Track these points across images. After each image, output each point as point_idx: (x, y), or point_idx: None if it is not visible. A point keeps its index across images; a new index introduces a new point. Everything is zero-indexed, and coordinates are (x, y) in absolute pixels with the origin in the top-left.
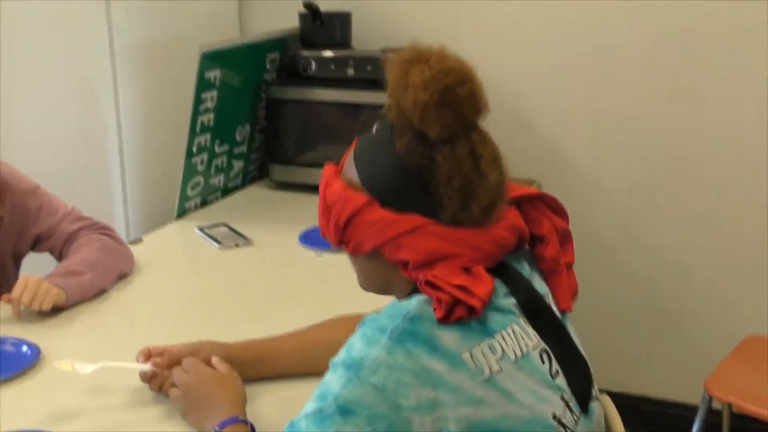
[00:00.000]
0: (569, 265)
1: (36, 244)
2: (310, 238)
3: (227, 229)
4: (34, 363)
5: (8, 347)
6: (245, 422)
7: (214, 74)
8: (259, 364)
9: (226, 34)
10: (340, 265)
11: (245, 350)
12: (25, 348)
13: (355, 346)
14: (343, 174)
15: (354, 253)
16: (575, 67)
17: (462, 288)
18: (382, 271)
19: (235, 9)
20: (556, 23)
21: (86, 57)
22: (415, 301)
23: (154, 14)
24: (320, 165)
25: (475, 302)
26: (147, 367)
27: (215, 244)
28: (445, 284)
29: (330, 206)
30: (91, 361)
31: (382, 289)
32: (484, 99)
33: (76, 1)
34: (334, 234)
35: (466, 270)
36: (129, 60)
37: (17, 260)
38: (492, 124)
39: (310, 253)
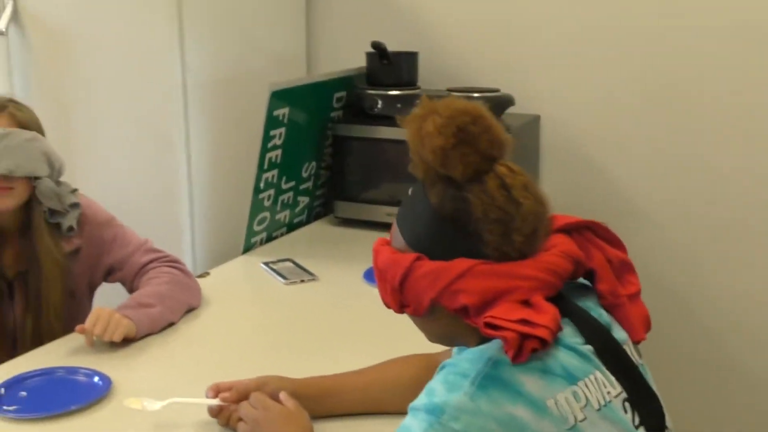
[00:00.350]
0: (633, 296)
1: (109, 275)
2: (374, 276)
3: (292, 264)
4: (105, 394)
5: (81, 377)
6: None
7: (282, 112)
8: (325, 400)
9: (294, 73)
10: None
11: (311, 386)
12: (96, 379)
13: (437, 390)
14: (391, 242)
15: (416, 313)
16: (644, 112)
17: (524, 321)
18: (446, 325)
19: (303, 48)
20: (623, 63)
21: (159, 95)
22: (496, 346)
23: (225, 53)
24: (384, 203)
25: (541, 332)
26: (215, 402)
27: (281, 279)
28: (505, 321)
29: (383, 272)
30: (160, 397)
31: (450, 342)
32: (501, 133)
33: (150, 40)
34: (394, 299)
35: (526, 303)
36: (200, 98)
37: (92, 290)
38: (558, 165)
39: (374, 291)
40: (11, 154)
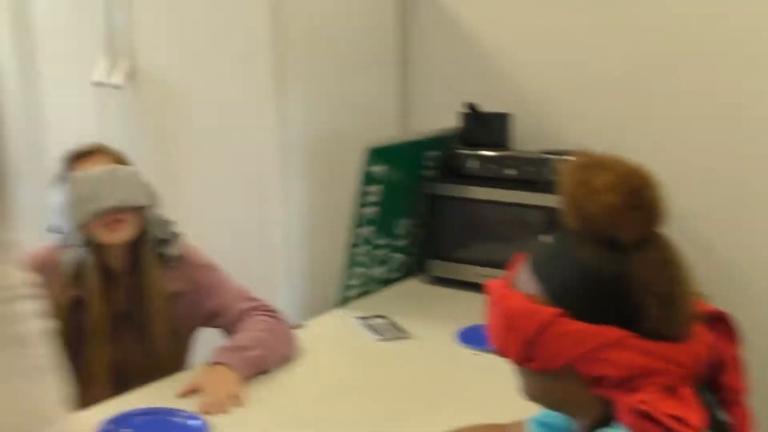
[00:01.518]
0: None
1: (209, 320)
2: (468, 336)
3: (386, 321)
4: None
5: (178, 419)
6: None
7: (378, 169)
8: None
9: (388, 132)
10: (499, 367)
11: None
12: (192, 422)
13: None
14: (515, 288)
15: (542, 370)
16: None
17: (677, 419)
18: (566, 389)
19: (398, 107)
20: (727, 124)
21: (259, 150)
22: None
23: (322, 112)
24: (478, 263)
25: None
26: None
27: (374, 335)
28: (659, 414)
29: (513, 320)
30: None
31: (555, 405)
32: (666, 203)
33: (252, 98)
34: (519, 350)
35: (670, 390)
36: (297, 154)
37: (191, 333)
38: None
39: (467, 352)
40: (120, 187)
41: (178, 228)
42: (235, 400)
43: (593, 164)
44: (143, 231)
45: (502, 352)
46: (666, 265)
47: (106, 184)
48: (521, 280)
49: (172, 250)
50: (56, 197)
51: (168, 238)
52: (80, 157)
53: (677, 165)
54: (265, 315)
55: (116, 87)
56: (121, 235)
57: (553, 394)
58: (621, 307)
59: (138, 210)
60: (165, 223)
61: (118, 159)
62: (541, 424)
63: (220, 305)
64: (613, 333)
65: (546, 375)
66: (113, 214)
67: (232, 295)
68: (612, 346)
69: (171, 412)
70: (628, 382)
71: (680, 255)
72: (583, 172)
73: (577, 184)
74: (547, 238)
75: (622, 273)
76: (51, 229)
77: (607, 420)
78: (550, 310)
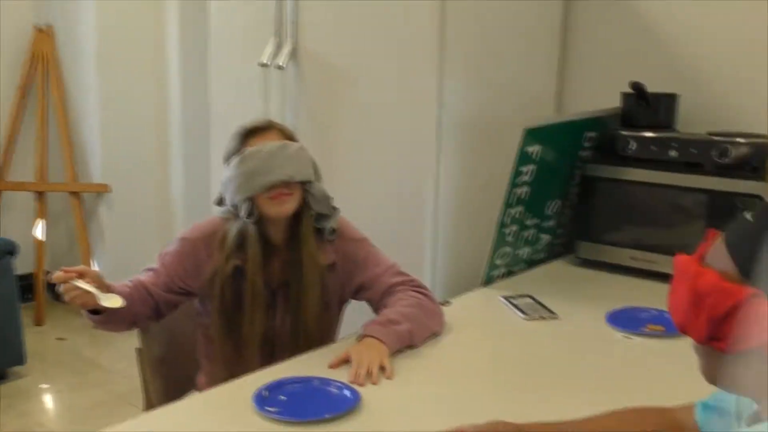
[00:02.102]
0: None
1: (357, 293)
2: (618, 319)
3: (532, 300)
4: (354, 407)
5: (333, 389)
6: None
7: (534, 149)
8: None
9: (542, 113)
10: (649, 351)
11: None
12: (347, 392)
13: None
14: (708, 263)
15: (728, 351)
16: None
17: None
18: (754, 371)
19: (553, 89)
20: None
21: (416, 130)
22: None
23: (480, 94)
24: (628, 246)
25: None
26: None
27: (521, 314)
28: None
29: (702, 297)
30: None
31: (738, 388)
32: None
33: (412, 79)
34: (705, 329)
35: None
36: (453, 135)
37: (341, 305)
38: None
39: (617, 335)
40: (290, 162)
41: (336, 203)
42: (385, 372)
43: None
44: (305, 205)
45: (685, 329)
46: None
47: (277, 159)
48: (714, 257)
49: (330, 225)
50: (228, 171)
51: (327, 214)
52: (253, 132)
53: None
54: (413, 290)
55: (280, 68)
56: (286, 207)
57: (737, 376)
58: None
59: (303, 185)
60: (325, 199)
61: (288, 135)
62: (710, 407)
63: (370, 278)
64: None
65: (732, 356)
66: (281, 188)
67: (383, 269)
68: None
69: (323, 381)
70: None
71: None
72: None
73: None
74: (746, 216)
75: None
76: (218, 202)
77: None
78: (746, 290)
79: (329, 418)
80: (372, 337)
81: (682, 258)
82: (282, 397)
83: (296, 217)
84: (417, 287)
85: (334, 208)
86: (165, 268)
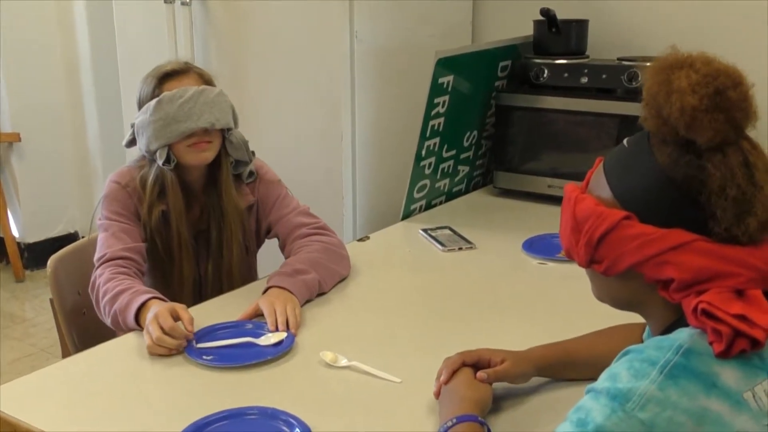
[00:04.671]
0: None
1: (268, 232)
2: (534, 246)
3: (450, 232)
4: (288, 348)
5: (260, 339)
6: (482, 423)
7: (447, 79)
8: (562, 370)
9: (460, 43)
10: (564, 275)
11: (548, 356)
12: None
13: (621, 376)
14: (589, 191)
15: (607, 273)
16: None
17: (742, 318)
18: (634, 290)
19: (469, 17)
20: None
21: (328, 62)
22: (686, 333)
23: (393, 22)
24: (546, 174)
25: (758, 333)
26: (397, 380)
27: (439, 246)
28: (724, 314)
29: (581, 223)
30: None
31: (625, 306)
32: (755, 104)
33: (322, 8)
34: (585, 253)
35: (739, 293)
36: (367, 65)
37: (259, 246)
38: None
39: (533, 261)
40: (210, 109)
41: (250, 140)
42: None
43: (678, 63)
44: (224, 152)
45: (569, 255)
46: (746, 168)
47: (196, 105)
48: (595, 183)
49: (248, 169)
50: (142, 116)
51: (245, 160)
52: (170, 75)
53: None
54: (319, 234)
55: (185, 4)
56: (206, 155)
57: (621, 296)
58: (691, 211)
59: (222, 131)
60: (244, 145)
61: (206, 79)
62: None
63: (278, 217)
64: (681, 236)
65: (613, 277)
66: (201, 135)
67: (290, 209)
68: (678, 250)
69: (257, 324)
70: (696, 286)
71: (765, 158)
72: (665, 72)
73: (659, 83)
74: (624, 142)
75: (694, 176)
76: (128, 144)
77: (679, 324)
78: (616, 213)
79: (262, 362)
80: (280, 287)
81: (568, 186)
82: (213, 344)
83: (215, 163)
84: (322, 229)
85: (252, 153)
86: (121, 218)
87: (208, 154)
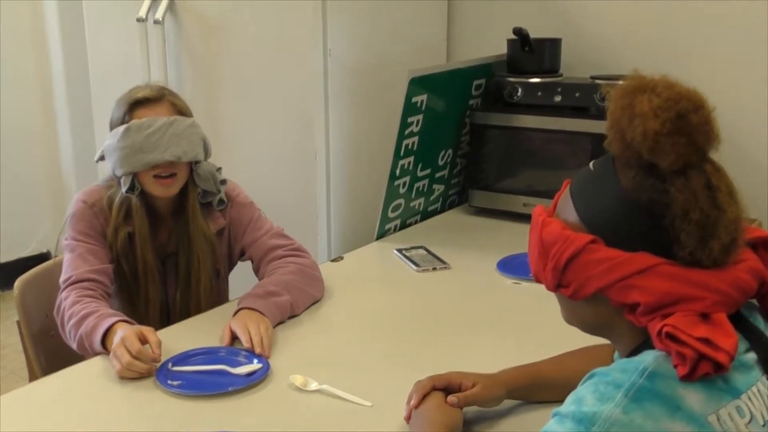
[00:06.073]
0: None
1: (241, 255)
2: (508, 266)
3: (425, 252)
4: (264, 376)
5: (240, 359)
6: None
7: (420, 98)
8: (533, 391)
9: (434, 60)
10: (538, 295)
11: (518, 378)
12: (256, 361)
13: (586, 399)
14: (557, 215)
15: (574, 297)
16: None
17: (706, 341)
18: (601, 314)
19: (444, 35)
20: None
21: (302, 80)
22: (651, 356)
23: (366, 40)
24: (521, 193)
25: (721, 357)
26: (367, 403)
27: (413, 266)
28: (688, 337)
29: (548, 247)
30: (314, 380)
31: (593, 330)
32: (717, 127)
33: (294, 26)
34: (552, 277)
35: (704, 317)
36: (340, 83)
37: (231, 269)
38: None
39: (507, 281)
40: (178, 141)
41: (223, 158)
42: (271, 338)
43: (641, 88)
44: (191, 182)
45: (537, 278)
46: (708, 192)
47: (164, 137)
48: (562, 207)
49: (217, 198)
50: (111, 139)
51: (215, 191)
52: (141, 103)
53: (734, 89)
54: (293, 256)
55: (158, 22)
56: (171, 189)
57: (588, 319)
58: (655, 235)
59: (190, 163)
60: (212, 177)
61: (180, 109)
62: None
63: (251, 240)
64: (646, 260)
65: (580, 301)
66: (166, 167)
67: (264, 231)
68: (644, 273)
69: (230, 350)
70: (661, 309)
71: (728, 180)
72: (628, 96)
73: (622, 108)
74: (590, 165)
75: (658, 199)
76: (99, 159)
77: (646, 346)
78: (582, 237)
79: (235, 391)
80: (252, 309)
81: (536, 209)
82: (187, 368)
83: (182, 192)
84: (297, 251)
85: (223, 182)
86: (87, 239)
87: (173, 189)
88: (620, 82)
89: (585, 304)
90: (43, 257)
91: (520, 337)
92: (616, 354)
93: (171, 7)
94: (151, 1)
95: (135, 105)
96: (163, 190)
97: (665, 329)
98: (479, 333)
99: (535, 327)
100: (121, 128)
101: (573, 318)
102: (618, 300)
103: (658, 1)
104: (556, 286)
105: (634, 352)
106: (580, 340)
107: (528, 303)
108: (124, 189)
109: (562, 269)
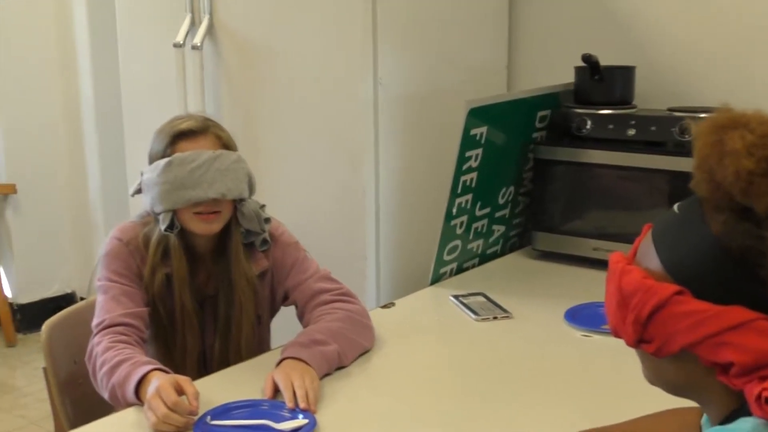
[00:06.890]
0: None
1: (285, 299)
2: (577, 316)
3: (484, 299)
4: None
5: (284, 413)
6: None
7: (480, 131)
8: None
9: (493, 89)
10: (611, 349)
11: None
12: (301, 416)
13: None
14: (637, 262)
15: (658, 354)
16: None
17: None
18: (689, 374)
19: (504, 61)
20: None
21: (350, 110)
22: (750, 425)
23: (419, 67)
24: (590, 235)
25: None
26: None
27: (471, 314)
28: None
29: (627, 298)
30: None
31: (679, 391)
32: None
33: (342, 54)
34: (633, 331)
35: None
36: (391, 114)
37: (273, 314)
38: None
39: (576, 333)
40: (222, 177)
41: (264, 195)
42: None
43: (731, 123)
44: (234, 220)
45: (616, 333)
46: None
47: (208, 173)
48: (642, 253)
49: (260, 239)
50: (151, 173)
51: (259, 231)
52: (184, 135)
53: None
54: (341, 302)
55: (196, 47)
56: (213, 226)
57: (674, 380)
58: (751, 286)
59: (234, 201)
60: (256, 216)
61: (225, 142)
62: None
63: (296, 284)
64: (740, 314)
65: (665, 359)
66: (209, 205)
67: (309, 273)
68: (738, 329)
69: (273, 404)
70: (759, 370)
71: None
72: (718, 132)
73: (711, 145)
74: (674, 208)
75: (753, 246)
76: (134, 193)
77: (742, 412)
78: (667, 288)
79: None
80: (294, 358)
81: (614, 256)
82: (227, 423)
83: (224, 231)
84: (344, 296)
85: (267, 221)
86: (122, 279)
87: (215, 226)
88: (705, 116)
89: (670, 362)
90: (68, 298)
91: (592, 397)
92: (704, 419)
93: (210, 31)
94: (190, 26)
95: (178, 137)
96: (205, 227)
97: (765, 394)
98: (545, 391)
99: (609, 385)
100: (163, 162)
101: (656, 378)
102: (709, 359)
103: (745, 27)
104: (638, 342)
105: (728, 418)
106: (660, 401)
107: (600, 358)
108: (163, 227)
109: (644, 322)
